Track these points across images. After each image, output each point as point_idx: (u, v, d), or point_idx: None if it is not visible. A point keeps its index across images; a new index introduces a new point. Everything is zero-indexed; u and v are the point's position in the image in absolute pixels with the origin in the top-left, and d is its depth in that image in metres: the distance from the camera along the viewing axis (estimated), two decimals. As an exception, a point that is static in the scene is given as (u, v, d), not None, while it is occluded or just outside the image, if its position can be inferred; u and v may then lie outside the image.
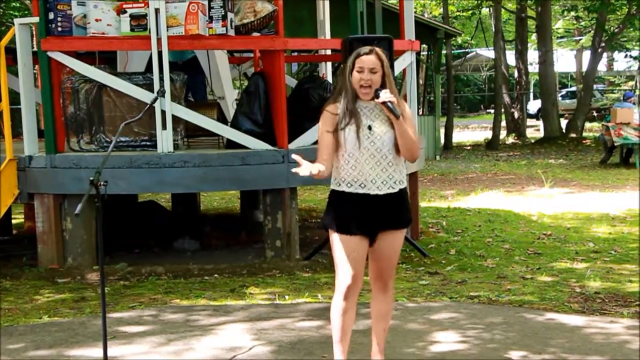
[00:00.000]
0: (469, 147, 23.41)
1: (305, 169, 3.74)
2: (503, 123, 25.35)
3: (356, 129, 3.89)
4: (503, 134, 25.00)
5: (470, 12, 28.95)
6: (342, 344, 4.04)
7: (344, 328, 4.02)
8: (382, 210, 3.96)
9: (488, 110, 39.86)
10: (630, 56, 33.30)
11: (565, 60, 38.04)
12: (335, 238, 3.99)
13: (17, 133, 8.08)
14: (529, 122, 30.74)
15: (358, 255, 3.97)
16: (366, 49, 3.93)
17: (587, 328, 5.04)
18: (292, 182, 7.10)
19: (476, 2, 28.00)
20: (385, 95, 3.84)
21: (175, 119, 7.03)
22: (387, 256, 4.05)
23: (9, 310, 5.82)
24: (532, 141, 24.23)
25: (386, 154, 3.92)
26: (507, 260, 7.33)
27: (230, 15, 6.92)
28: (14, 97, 7.67)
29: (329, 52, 9.91)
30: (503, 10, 27.52)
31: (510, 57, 29.29)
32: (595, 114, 31.22)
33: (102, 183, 3.93)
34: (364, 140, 3.90)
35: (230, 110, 8.64)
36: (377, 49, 3.95)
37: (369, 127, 3.92)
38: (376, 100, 3.88)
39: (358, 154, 3.91)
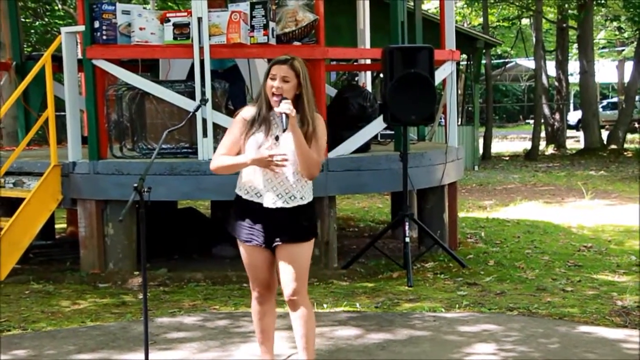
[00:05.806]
0: (507, 158, 23.22)
1: None
2: (542, 134, 25.12)
3: (263, 137, 3.85)
4: (542, 144, 24.78)
5: (510, 22, 28.78)
6: (264, 346, 4.25)
7: (263, 329, 4.24)
8: (274, 223, 3.91)
9: (527, 121, 39.57)
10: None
11: (606, 71, 37.62)
12: (240, 246, 4.03)
13: (61, 139, 8.23)
14: (569, 132, 30.46)
15: (259, 263, 4.03)
16: (283, 57, 3.86)
17: (627, 342, 4.98)
18: (330, 191, 7.11)
19: (517, 12, 27.86)
20: (284, 105, 3.75)
21: (216, 126, 7.10)
22: (284, 268, 4.00)
23: (52, 313, 5.92)
24: (572, 152, 23.98)
25: (285, 168, 3.83)
26: (546, 271, 7.26)
27: (271, 24, 6.98)
28: (58, 104, 7.81)
29: (368, 61, 9.93)
30: (544, 20, 27.29)
31: (550, 68, 29.06)
32: (636, 125, 30.81)
33: (145, 189, 3.99)
34: (265, 150, 3.81)
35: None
36: (296, 61, 3.86)
37: (276, 138, 3.86)
38: (275, 108, 3.81)
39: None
